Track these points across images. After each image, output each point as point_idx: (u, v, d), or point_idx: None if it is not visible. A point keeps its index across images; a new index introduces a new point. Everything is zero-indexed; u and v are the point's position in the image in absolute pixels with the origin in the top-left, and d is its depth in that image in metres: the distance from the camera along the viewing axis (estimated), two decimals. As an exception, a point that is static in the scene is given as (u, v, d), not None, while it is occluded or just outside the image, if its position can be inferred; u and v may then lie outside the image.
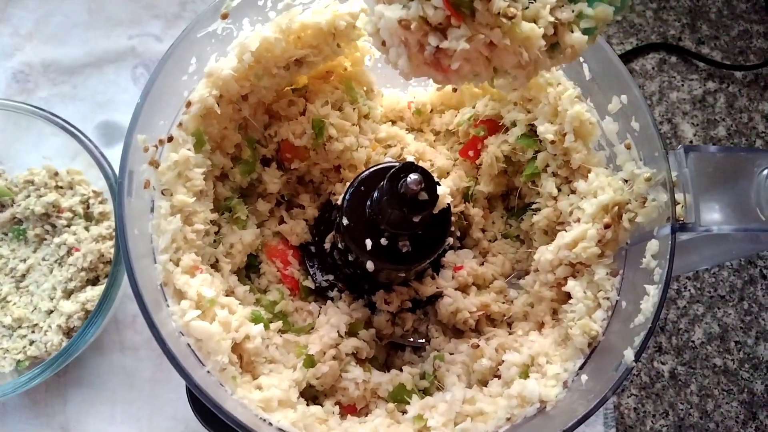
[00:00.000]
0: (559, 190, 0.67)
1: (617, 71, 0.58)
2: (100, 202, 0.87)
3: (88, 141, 0.81)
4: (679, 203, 0.54)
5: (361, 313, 0.69)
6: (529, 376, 0.60)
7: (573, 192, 0.65)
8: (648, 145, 0.58)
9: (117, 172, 0.78)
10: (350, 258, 0.65)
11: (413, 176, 0.53)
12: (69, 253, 0.83)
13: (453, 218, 0.71)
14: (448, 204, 0.58)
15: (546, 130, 0.64)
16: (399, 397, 0.63)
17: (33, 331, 0.82)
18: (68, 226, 0.85)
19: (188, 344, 0.55)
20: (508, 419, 0.57)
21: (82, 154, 0.81)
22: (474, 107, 0.73)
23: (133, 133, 0.56)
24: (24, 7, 1.01)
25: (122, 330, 0.88)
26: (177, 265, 0.59)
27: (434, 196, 0.55)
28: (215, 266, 0.65)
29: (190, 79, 0.62)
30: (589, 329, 0.59)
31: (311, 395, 0.65)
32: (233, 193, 0.70)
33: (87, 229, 0.85)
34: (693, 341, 0.96)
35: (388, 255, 0.60)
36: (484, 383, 0.64)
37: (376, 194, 0.58)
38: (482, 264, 0.73)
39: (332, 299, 0.71)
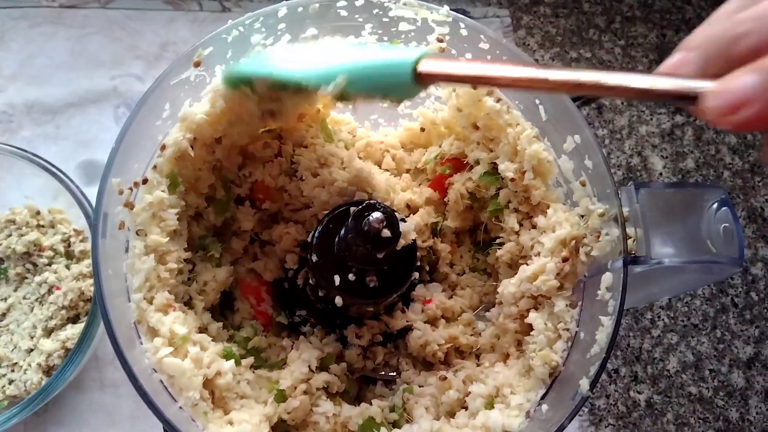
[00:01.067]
0: (521, 225, 0.69)
1: (570, 113, 0.61)
2: (81, 241, 0.88)
3: (69, 181, 0.82)
4: (631, 237, 0.57)
5: (333, 348, 0.70)
6: (494, 407, 0.61)
7: (534, 227, 0.67)
8: (600, 182, 0.60)
9: (96, 212, 0.80)
10: (321, 293, 0.67)
11: (376, 215, 0.55)
12: (50, 291, 0.84)
13: (422, 253, 0.73)
14: (413, 240, 0.61)
15: (507, 168, 0.67)
16: (368, 431, 0.64)
17: (12, 370, 0.82)
18: (49, 264, 0.86)
19: (161, 381, 0.57)
20: (473, 450, 0.58)
21: (63, 193, 0.83)
22: (440, 146, 0.76)
23: (108, 177, 0.57)
24: (7, 49, 1.04)
25: (102, 367, 0.89)
26: (150, 303, 0.60)
27: (397, 233, 0.57)
28: (189, 303, 0.66)
29: (164, 124, 0.64)
30: (549, 360, 0.60)
31: (282, 430, 0.65)
32: (207, 232, 0.71)
33: (68, 267, 0.86)
34: (668, 370, 0.98)
35: (356, 290, 0.62)
36: (451, 415, 0.65)
37: (342, 232, 0.60)
38: (451, 297, 0.75)
39: (305, 334, 0.72)
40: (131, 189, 0.61)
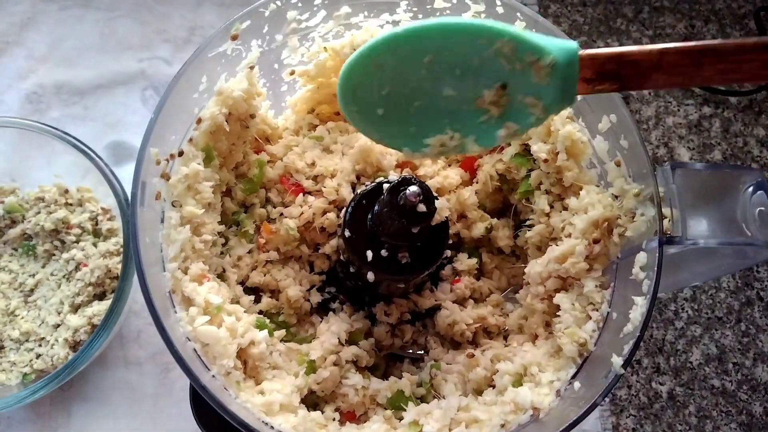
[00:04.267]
0: (552, 206, 0.69)
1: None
2: (109, 219, 0.89)
3: (99, 159, 0.83)
4: (666, 217, 0.56)
5: (362, 324, 0.70)
6: (522, 385, 0.61)
7: (565, 209, 0.67)
8: (636, 162, 0.60)
9: (126, 190, 0.81)
10: (352, 270, 0.67)
11: (412, 188, 0.55)
12: (77, 268, 0.85)
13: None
14: (446, 217, 0.61)
15: (539, 150, 0.66)
16: (397, 404, 0.64)
17: (40, 345, 0.83)
18: (77, 242, 0.87)
19: (194, 349, 0.57)
20: (503, 426, 0.58)
21: (91, 172, 0.84)
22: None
23: (147, 147, 0.58)
24: (38, 31, 1.05)
25: (126, 345, 0.90)
26: (185, 273, 0.61)
27: (432, 208, 0.57)
28: (222, 276, 0.67)
29: (201, 97, 0.64)
30: (577, 337, 0.60)
31: (312, 402, 0.66)
32: (240, 208, 0.72)
33: (95, 245, 0.87)
34: (691, 362, 0.97)
35: (389, 266, 0.62)
36: (479, 392, 0.66)
37: (376, 207, 0.61)
38: (479, 278, 0.75)
39: (334, 311, 0.73)
40: (167, 160, 0.62)
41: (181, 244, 0.60)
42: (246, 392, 0.58)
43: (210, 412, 0.66)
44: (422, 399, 0.67)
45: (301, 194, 0.71)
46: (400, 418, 0.63)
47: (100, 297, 0.85)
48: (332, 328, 0.67)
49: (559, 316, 0.63)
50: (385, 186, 0.59)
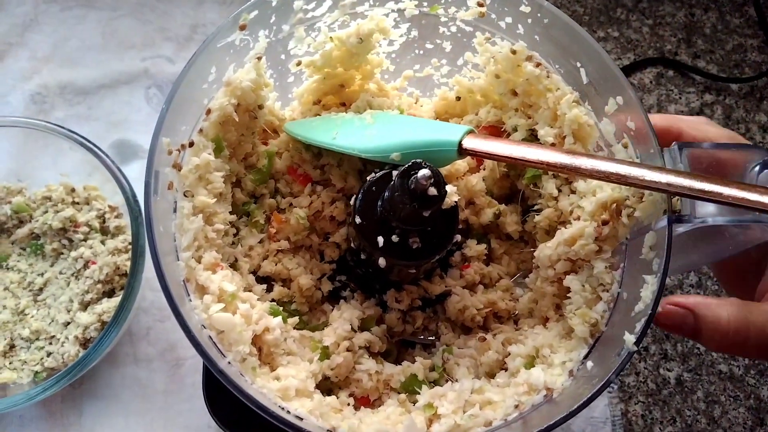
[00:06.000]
0: (560, 190, 0.69)
1: (612, 74, 0.61)
2: (116, 217, 0.89)
3: (105, 156, 0.84)
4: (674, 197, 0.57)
5: (373, 311, 0.71)
6: (534, 366, 0.62)
7: (573, 192, 0.67)
8: (643, 143, 0.60)
9: (133, 187, 0.82)
10: (362, 257, 0.68)
11: (423, 172, 0.55)
12: (85, 266, 0.86)
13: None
14: (456, 202, 0.61)
15: (546, 134, 0.67)
16: (410, 388, 0.64)
17: (50, 343, 0.84)
18: (84, 240, 0.87)
19: (210, 337, 0.58)
20: (516, 407, 0.59)
21: (98, 170, 0.85)
22: (477, 114, 0.76)
23: (159, 136, 0.58)
24: (41, 32, 1.06)
25: (136, 342, 0.90)
26: (199, 262, 0.61)
27: (443, 191, 0.57)
28: (234, 266, 0.68)
29: (210, 88, 0.65)
30: (588, 317, 0.60)
31: (326, 388, 0.66)
32: (249, 198, 0.72)
33: (103, 242, 0.88)
34: (698, 348, 0.98)
35: (400, 251, 0.63)
36: (491, 375, 0.66)
37: (387, 193, 0.61)
38: (488, 264, 0.75)
39: (345, 298, 0.73)
40: (179, 151, 0.62)
41: (194, 233, 0.60)
42: (262, 378, 0.58)
43: (223, 402, 0.67)
44: (435, 383, 0.67)
45: (309, 184, 0.72)
46: (414, 402, 0.63)
47: (109, 294, 0.85)
48: (344, 315, 0.67)
49: (569, 298, 0.64)
50: (394, 173, 0.59)
